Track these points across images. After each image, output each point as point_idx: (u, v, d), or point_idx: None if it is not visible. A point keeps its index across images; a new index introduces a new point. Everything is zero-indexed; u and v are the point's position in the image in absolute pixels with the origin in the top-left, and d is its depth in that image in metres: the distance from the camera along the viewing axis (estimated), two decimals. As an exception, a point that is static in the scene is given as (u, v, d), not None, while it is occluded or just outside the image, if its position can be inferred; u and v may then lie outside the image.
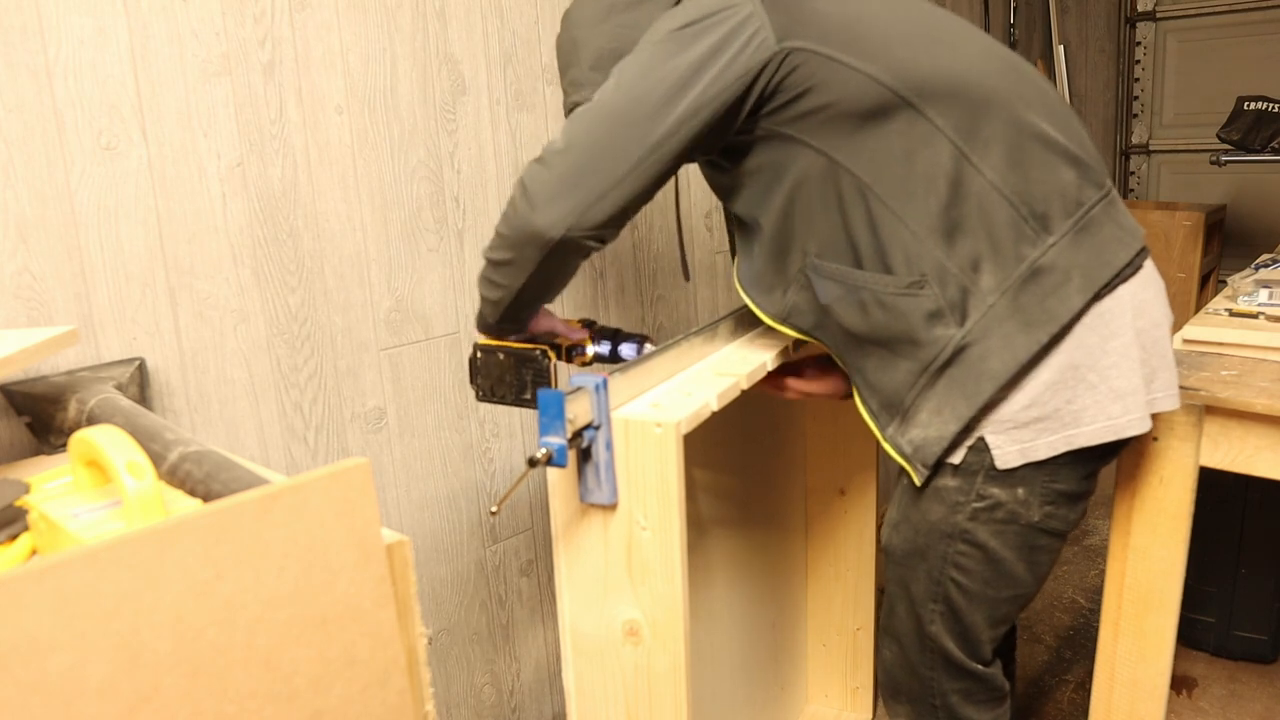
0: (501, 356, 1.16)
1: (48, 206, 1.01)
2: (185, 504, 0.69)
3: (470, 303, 1.49)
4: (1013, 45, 3.27)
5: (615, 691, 1.06)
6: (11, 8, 0.97)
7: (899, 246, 0.99)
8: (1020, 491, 1.03)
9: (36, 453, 0.97)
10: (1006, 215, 0.97)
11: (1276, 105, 2.77)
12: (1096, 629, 1.33)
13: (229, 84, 1.16)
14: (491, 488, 1.56)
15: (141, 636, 0.50)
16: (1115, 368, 0.99)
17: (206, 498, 0.68)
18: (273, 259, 1.23)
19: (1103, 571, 1.32)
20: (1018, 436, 1.00)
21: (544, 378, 1.13)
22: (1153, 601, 1.26)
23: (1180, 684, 1.74)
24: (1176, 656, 1.35)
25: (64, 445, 0.91)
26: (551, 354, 1.13)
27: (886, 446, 1.08)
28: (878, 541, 1.38)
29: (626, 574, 1.01)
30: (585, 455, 0.98)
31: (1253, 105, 2.81)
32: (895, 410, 1.05)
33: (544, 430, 0.92)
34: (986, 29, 3.15)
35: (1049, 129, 1.00)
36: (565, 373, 1.53)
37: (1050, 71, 3.52)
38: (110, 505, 0.68)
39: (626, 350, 1.22)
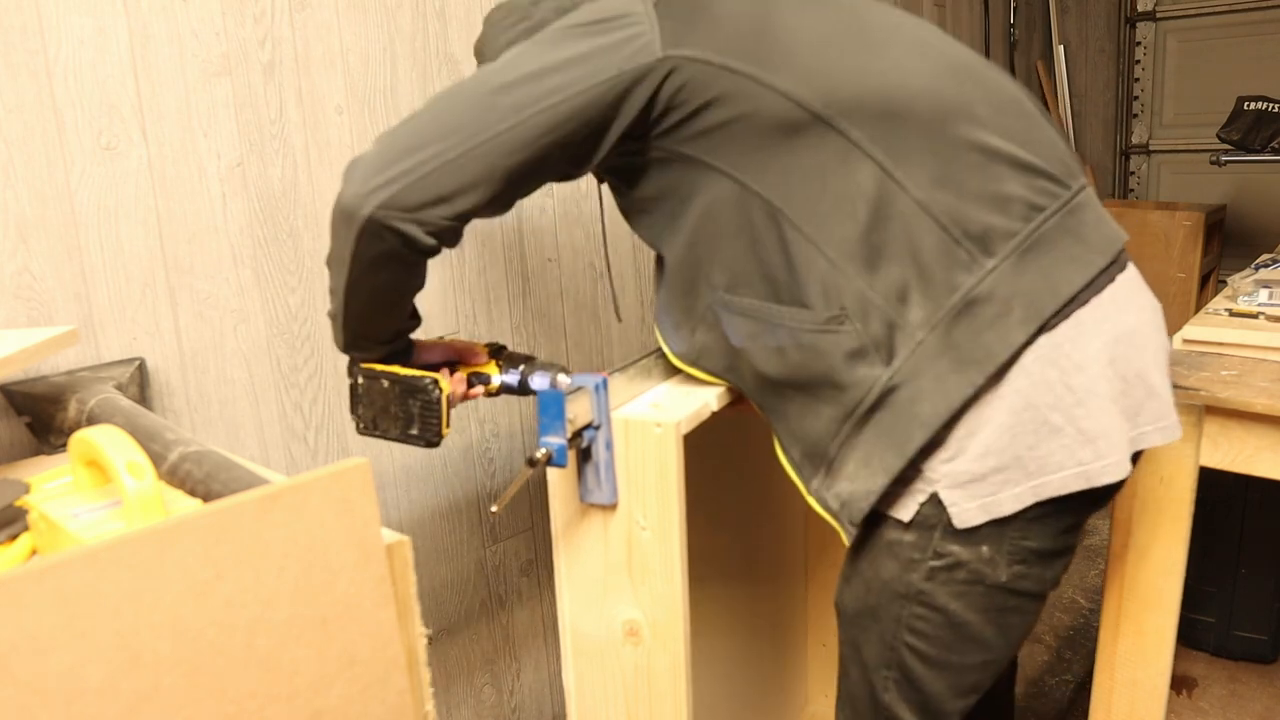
0: (386, 384, 1.01)
1: (48, 206, 1.01)
2: (185, 504, 0.69)
3: (470, 302, 1.49)
4: (1013, 45, 3.26)
5: (615, 691, 1.06)
6: (11, 8, 0.97)
7: (815, 277, 0.88)
8: (985, 549, 0.90)
9: (36, 453, 0.97)
10: (936, 238, 0.86)
11: (1276, 105, 2.77)
12: (1096, 629, 1.33)
13: (229, 84, 1.16)
14: (491, 488, 1.56)
15: (141, 636, 0.50)
16: (1082, 405, 0.86)
17: (206, 498, 0.68)
18: (273, 259, 1.23)
19: (1103, 571, 1.32)
20: (977, 490, 0.88)
21: (433, 410, 0.99)
22: (1153, 601, 1.26)
23: (1180, 684, 1.74)
24: (1176, 656, 1.35)
25: (64, 445, 0.91)
26: (443, 383, 0.99)
27: (812, 502, 0.96)
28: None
29: (626, 574, 1.01)
30: (585, 455, 0.98)
31: (1253, 105, 2.81)
32: (819, 462, 0.94)
33: (544, 430, 0.92)
34: (986, 29, 3.15)
35: (993, 137, 0.89)
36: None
37: (1050, 71, 3.52)
38: (110, 505, 0.68)
39: (538, 381, 1.06)
